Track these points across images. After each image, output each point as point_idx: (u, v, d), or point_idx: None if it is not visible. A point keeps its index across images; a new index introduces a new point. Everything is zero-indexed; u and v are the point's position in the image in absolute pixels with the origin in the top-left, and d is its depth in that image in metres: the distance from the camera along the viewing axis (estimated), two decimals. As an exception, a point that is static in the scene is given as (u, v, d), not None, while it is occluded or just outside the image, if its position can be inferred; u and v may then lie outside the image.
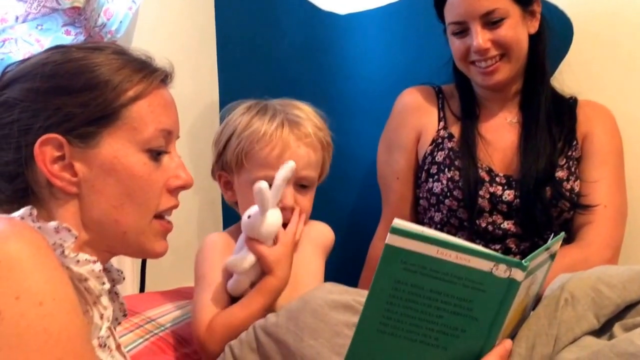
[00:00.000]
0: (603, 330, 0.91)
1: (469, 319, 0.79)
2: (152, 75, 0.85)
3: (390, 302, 0.78)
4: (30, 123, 0.78)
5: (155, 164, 0.84)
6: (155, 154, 0.84)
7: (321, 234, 1.26)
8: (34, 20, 1.36)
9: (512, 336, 0.88)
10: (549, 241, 0.87)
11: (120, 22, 1.47)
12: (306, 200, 1.18)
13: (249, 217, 1.09)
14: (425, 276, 0.77)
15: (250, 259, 1.09)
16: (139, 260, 1.59)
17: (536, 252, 0.81)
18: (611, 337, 0.89)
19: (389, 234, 0.75)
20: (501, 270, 0.77)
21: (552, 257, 0.89)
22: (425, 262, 0.76)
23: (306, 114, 1.19)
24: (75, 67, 0.81)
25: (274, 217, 1.09)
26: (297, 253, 1.20)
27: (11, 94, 0.80)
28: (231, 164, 1.16)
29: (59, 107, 0.79)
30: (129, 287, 1.55)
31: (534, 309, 0.94)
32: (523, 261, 0.78)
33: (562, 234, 0.91)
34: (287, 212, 1.14)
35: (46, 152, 0.78)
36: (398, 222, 0.76)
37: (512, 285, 0.78)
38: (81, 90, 0.79)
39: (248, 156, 1.13)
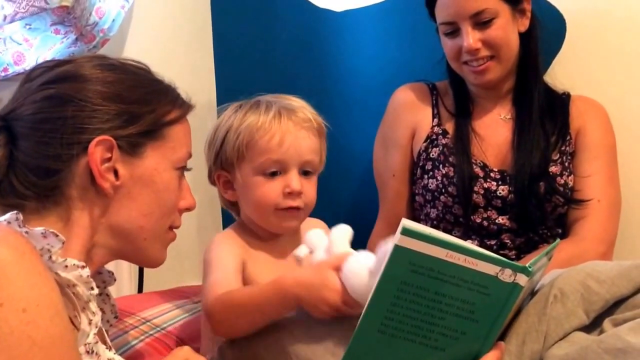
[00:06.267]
0: (593, 325, 0.91)
1: (470, 321, 0.80)
2: (186, 103, 0.94)
3: (394, 303, 0.78)
4: (86, 123, 0.82)
5: (178, 183, 0.91)
6: (181, 173, 0.92)
7: None
8: (22, 19, 1.36)
9: (502, 333, 0.88)
10: (549, 247, 0.88)
11: (113, 20, 1.47)
12: (311, 187, 1.16)
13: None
14: (432, 278, 0.77)
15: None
16: (138, 260, 1.60)
17: (538, 257, 0.82)
18: (601, 332, 0.89)
19: (399, 234, 0.75)
20: (506, 275, 0.78)
21: (549, 258, 0.90)
22: (434, 264, 0.76)
23: (299, 103, 1.18)
24: (132, 80, 0.87)
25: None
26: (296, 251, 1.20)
27: (62, 90, 0.83)
28: (231, 159, 1.14)
29: (118, 114, 0.84)
30: (126, 287, 1.56)
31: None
32: (528, 266, 0.79)
33: (558, 240, 0.92)
34: (293, 197, 1.12)
35: (98, 152, 0.82)
36: (408, 223, 0.76)
37: (515, 289, 0.79)
38: (138, 102, 0.86)
39: (249, 146, 1.12)
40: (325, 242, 0.99)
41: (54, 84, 0.84)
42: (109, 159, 0.83)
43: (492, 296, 0.79)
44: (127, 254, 0.90)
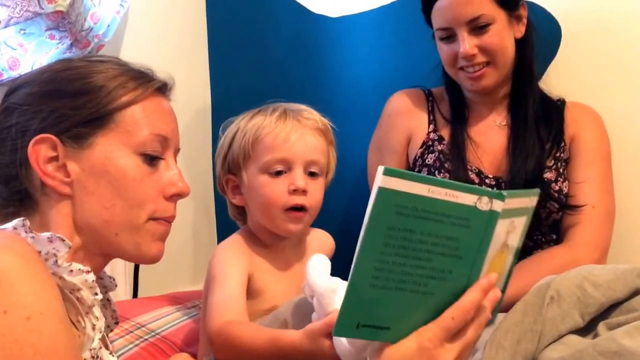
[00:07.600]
0: (588, 329, 0.92)
1: (455, 258, 0.79)
2: (148, 83, 0.88)
3: (382, 251, 0.75)
4: (27, 125, 0.81)
5: (149, 169, 0.86)
6: (150, 159, 0.86)
7: (323, 243, 1.27)
8: (17, 24, 1.36)
9: (497, 331, 0.88)
10: (531, 190, 0.86)
11: (108, 26, 1.47)
12: (317, 188, 1.15)
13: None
14: (417, 218, 0.75)
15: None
16: (132, 265, 1.59)
17: (516, 191, 0.81)
18: (596, 336, 0.90)
19: (381, 175, 0.72)
20: (484, 203, 0.77)
21: (531, 212, 0.87)
22: (417, 202, 0.75)
23: (307, 107, 1.19)
24: (73, 74, 0.84)
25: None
26: (303, 263, 1.20)
27: (12, 100, 0.83)
28: (238, 159, 1.15)
29: (54, 109, 0.81)
30: (121, 293, 1.55)
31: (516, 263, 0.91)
32: (502, 192, 0.78)
33: (538, 190, 0.90)
34: (298, 194, 1.12)
35: (40, 151, 0.80)
36: (387, 167, 0.74)
37: (492, 216, 0.78)
38: (76, 94, 0.82)
39: (254, 145, 1.13)
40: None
41: (7, 97, 0.85)
42: (56, 157, 0.81)
43: (473, 228, 0.78)
44: (111, 252, 0.86)
